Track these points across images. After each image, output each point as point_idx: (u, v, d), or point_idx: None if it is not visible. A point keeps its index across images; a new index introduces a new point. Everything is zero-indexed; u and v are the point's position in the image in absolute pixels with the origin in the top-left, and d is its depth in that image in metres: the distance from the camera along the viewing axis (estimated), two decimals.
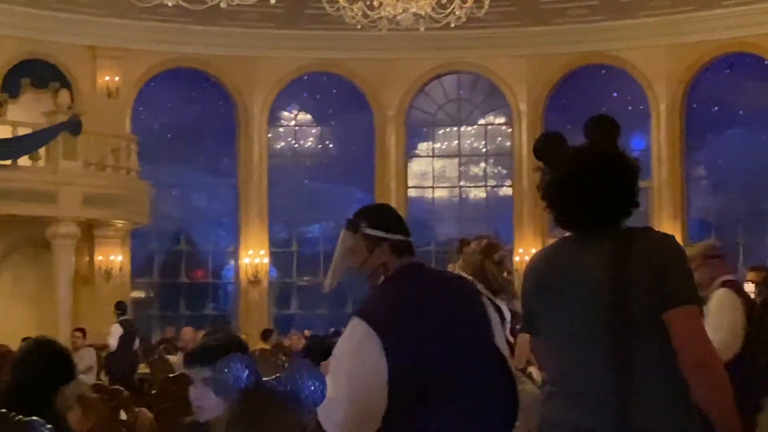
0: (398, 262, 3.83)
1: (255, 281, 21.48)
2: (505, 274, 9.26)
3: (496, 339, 3.91)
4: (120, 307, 15.85)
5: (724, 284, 6.23)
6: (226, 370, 3.05)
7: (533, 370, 9.77)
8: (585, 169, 3.36)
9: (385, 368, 3.61)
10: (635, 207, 3.37)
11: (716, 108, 20.87)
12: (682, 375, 3.21)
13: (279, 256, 22.29)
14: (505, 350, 3.95)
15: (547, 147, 3.49)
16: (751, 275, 8.77)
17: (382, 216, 3.94)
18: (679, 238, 18.42)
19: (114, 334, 15.35)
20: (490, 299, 9.20)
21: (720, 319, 6.06)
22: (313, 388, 3.11)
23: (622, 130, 3.47)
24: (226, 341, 4.00)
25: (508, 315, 9.32)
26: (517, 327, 12.33)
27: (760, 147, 20.74)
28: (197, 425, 4.06)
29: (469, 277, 8.62)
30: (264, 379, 3.04)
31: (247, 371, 3.05)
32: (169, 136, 22.10)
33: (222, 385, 3.06)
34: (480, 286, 9.17)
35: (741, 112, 20.75)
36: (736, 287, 6.36)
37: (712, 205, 21.26)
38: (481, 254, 9.09)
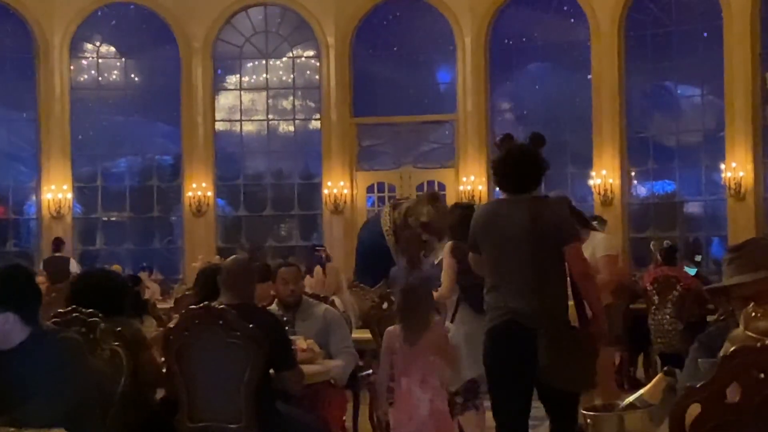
0: None
1: (58, 217, 20.96)
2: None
3: None
4: None
5: None
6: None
7: (336, 299, 10.05)
8: (520, 156, 5.91)
9: None
10: (539, 185, 5.88)
11: (520, 41, 21.24)
12: (565, 281, 5.78)
13: (83, 192, 21.77)
14: None
15: (502, 141, 6.21)
16: None
17: None
18: (482, 170, 18.83)
19: None
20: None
21: None
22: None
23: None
24: None
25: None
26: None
27: (560, 79, 21.25)
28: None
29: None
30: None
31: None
32: None
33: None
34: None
35: (542, 45, 21.17)
36: None
37: (515, 136, 21.66)
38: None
